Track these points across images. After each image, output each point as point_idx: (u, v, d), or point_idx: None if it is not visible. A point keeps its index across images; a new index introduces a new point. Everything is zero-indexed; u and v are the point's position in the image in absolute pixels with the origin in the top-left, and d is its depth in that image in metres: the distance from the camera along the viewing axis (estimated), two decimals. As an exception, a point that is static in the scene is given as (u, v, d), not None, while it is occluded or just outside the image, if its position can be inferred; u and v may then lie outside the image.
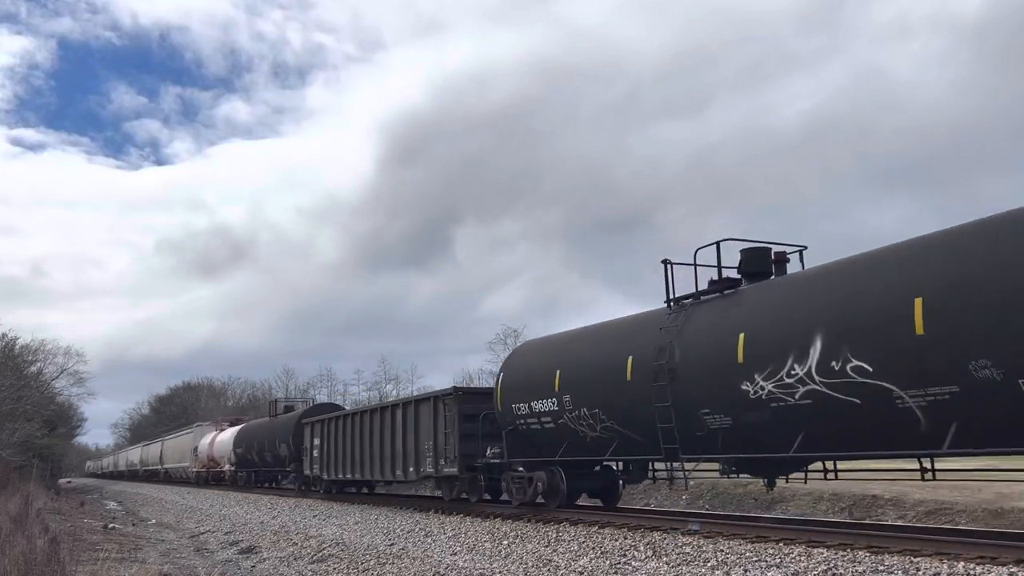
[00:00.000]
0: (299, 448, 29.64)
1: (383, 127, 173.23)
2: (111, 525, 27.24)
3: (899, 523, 15.49)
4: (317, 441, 27.06)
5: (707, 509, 20.21)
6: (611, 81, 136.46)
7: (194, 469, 48.43)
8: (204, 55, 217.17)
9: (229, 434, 42.52)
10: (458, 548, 13.51)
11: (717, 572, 9.34)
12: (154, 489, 52.50)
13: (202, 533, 23.68)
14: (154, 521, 29.94)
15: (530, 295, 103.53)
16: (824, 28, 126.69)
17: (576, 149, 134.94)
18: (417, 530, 16.13)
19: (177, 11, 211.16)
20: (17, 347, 54.21)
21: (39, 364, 58.62)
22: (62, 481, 78.84)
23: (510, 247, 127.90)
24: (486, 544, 13.39)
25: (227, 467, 41.43)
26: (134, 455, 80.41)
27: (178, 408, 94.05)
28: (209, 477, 46.05)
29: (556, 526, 14.08)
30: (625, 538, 11.95)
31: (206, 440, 46.94)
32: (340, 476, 25.04)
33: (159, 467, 62.74)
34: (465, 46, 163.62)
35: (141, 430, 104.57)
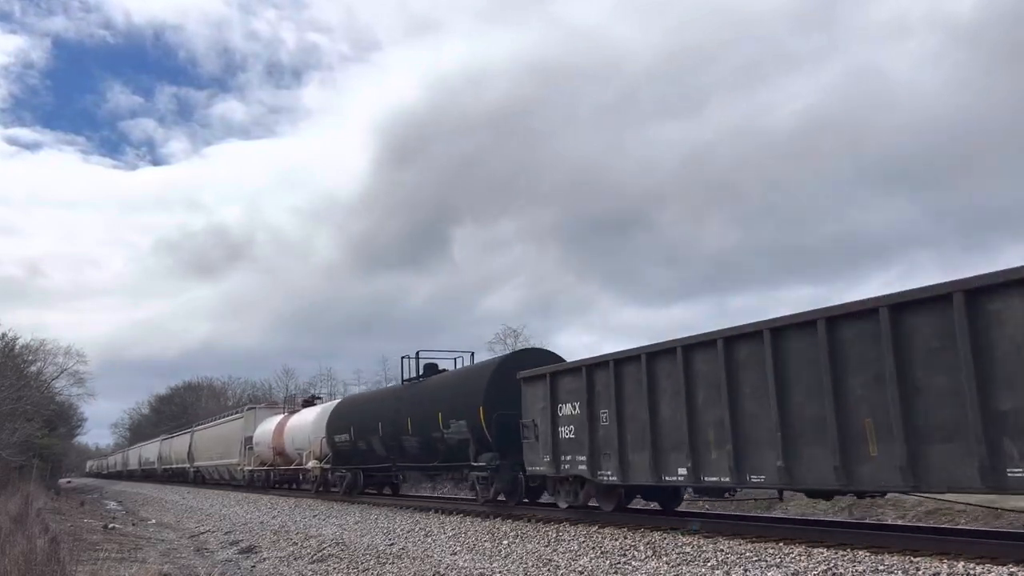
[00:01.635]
0: (504, 427, 16.78)
1: (379, 127, 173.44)
2: (111, 525, 27.25)
3: (899, 523, 15.50)
4: (572, 409, 14.34)
5: (707, 509, 20.20)
6: (607, 81, 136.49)
7: (247, 468, 36.71)
8: (198, 54, 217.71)
9: (313, 415, 29.65)
10: (458, 548, 13.51)
11: (717, 572, 9.34)
12: (154, 489, 52.49)
13: (202, 533, 23.69)
14: (154, 521, 29.94)
15: (528, 295, 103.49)
16: (821, 28, 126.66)
17: (573, 149, 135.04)
18: (417, 530, 16.13)
19: (171, 9, 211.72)
20: (17, 347, 54.33)
21: (39, 364, 58.82)
22: (62, 481, 78.86)
23: (507, 247, 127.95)
24: (486, 544, 13.39)
25: (312, 464, 28.27)
26: (150, 451, 69.55)
27: (178, 408, 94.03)
28: (273, 479, 34.12)
29: (556, 526, 14.08)
30: (625, 538, 11.95)
31: (267, 427, 34.17)
32: (670, 476, 12.18)
33: (187, 465, 51.51)
34: (460, 46, 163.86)
35: (141, 430, 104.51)
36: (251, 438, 36.19)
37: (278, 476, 33.51)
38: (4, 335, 51.91)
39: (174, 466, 56.59)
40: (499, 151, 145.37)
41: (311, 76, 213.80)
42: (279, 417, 33.90)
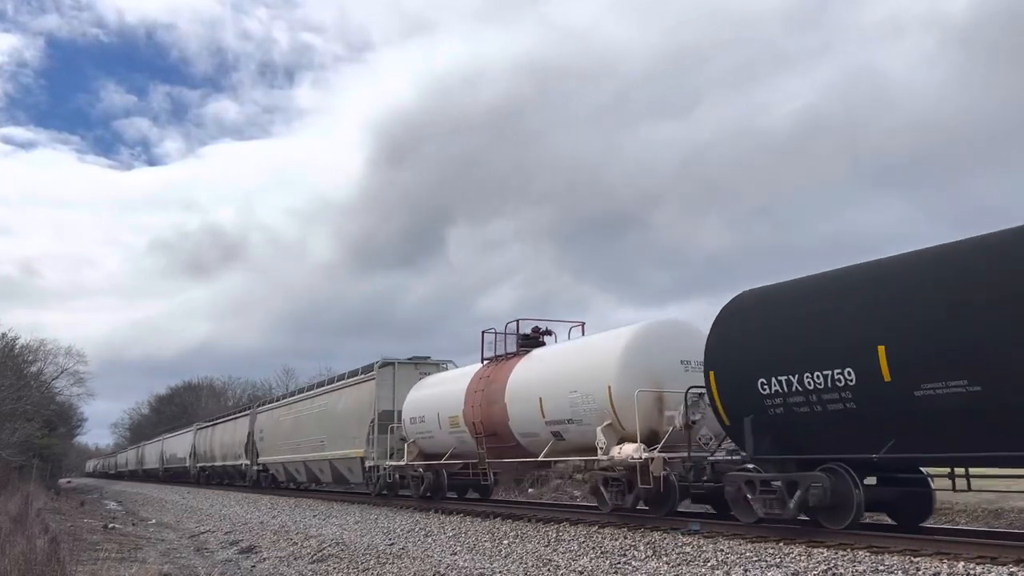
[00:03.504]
0: None
1: (373, 127, 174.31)
2: (111, 525, 27.25)
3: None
4: None
5: (707, 509, 20.16)
6: (601, 81, 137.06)
7: (388, 463, 22.10)
8: (190, 53, 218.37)
9: (617, 350, 13.71)
10: (458, 548, 13.51)
11: (717, 572, 9.34)
12: (154, 489, 52.48)
13: (202, 533, 23.68)
14: (154, 521, 29.93)
15: (524, 295, 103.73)
16: (815, 28, 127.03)
17: (567, 149, 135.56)
18: (417, 530, 16.13)
19: (163, 8, 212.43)
20: (17, 347, 54.31)
21: (39, 364, 58.77)
22: (62, 481, 78.85)
23: (503, 247, 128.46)
24: (486, 544, 13.39)
25: (631, 451, 12.88)
26: (176, 445, 56.40)
27: (178, 408, 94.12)
28: (451, 482, 20.68)
29: (556, 526, 14.08)
30: (625, 538, 11.95)
31: (441, 390, 19.97)
32: None
33: (242, 462, 38.44)
34: (455, 46, 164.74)
35: (141, 430, 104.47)
36: (395, 414, 22.14)
37: (488, 476, 19.75)
38: (4, 335, 52.00)
39: (218, 463, 43.80)
40: (494, 151, 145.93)
41: (304, 76, 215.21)
42: (470, 370, 19.01)
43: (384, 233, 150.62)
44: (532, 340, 18.11)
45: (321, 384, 30.13)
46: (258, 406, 38.91)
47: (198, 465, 48.66)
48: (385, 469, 22.27)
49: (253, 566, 16.52)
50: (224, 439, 43.08)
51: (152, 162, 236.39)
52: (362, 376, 25.31)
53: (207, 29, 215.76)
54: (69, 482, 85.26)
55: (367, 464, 23.48)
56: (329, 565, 14.54)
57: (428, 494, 20.30)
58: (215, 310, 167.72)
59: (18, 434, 47.49)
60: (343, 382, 27.29)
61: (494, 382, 17.21)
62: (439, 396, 19.80)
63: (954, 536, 10.18)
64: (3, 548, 12.96)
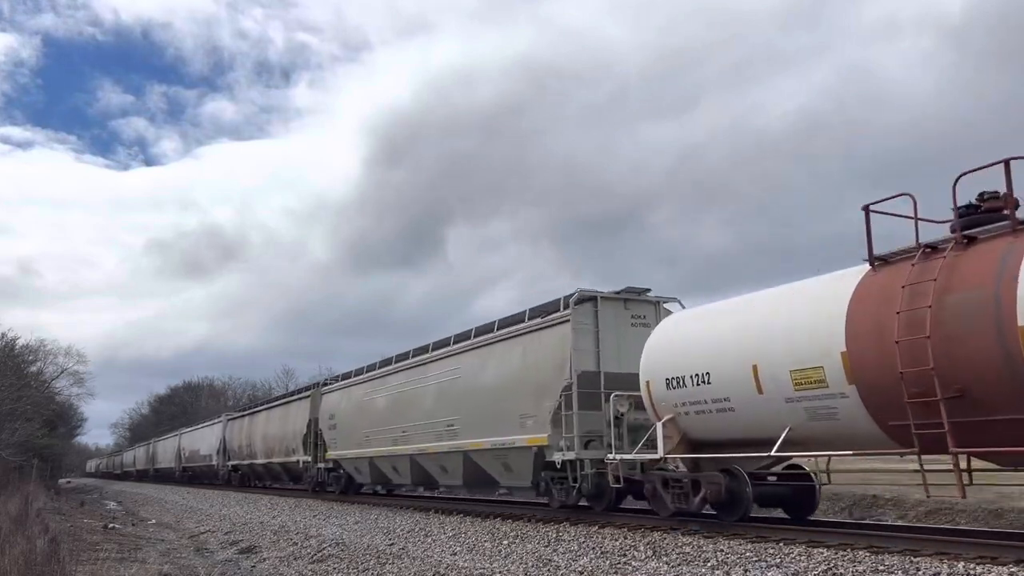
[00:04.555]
0: None
1: (370, 127, 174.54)
2: (111, 525, 27.24)
3: (899, 523, 15.49)
4: None
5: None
6: (598, 81, 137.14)
7: (643, 456, 12.98)
8: (186, 52, 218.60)
9: None
10: (458, 548, 13.51)
11: (717, 572, 9.33)
12: (153, 489, 52.49)
13: (202, 533, 23.67)
14: (154, 521, 29.93)
15: (522, 295, 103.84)
16: (812, 28, 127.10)
17: (564, 149, 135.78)
18: (417, 530, 16.13)
19: (158, 7, 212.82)
20: (17, 347, 54.39)
21: (39, 364, 58.88)
22: (62, 481, 78.87)
23: (500, 247, 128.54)
24: (486, 544, 13.39)
25: None
26: (200, 440, 46.81)
27: (178, 408, 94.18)
28: None
29: (556, 526, 14.08)
30: (625, 538, 11.95)
31: (786, 311, 10.45)
32: None
33: (299, 459, 29.79)
34: (451, 46, 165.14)
35: (141, 430, 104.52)
36: (600, 376, 14.60)
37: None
38: (4, 335, 52.08)
39: (259, 461, 35.08)
40: (491, 151, 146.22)
41: (301, 76, 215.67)
42: (839, 283, 10.04)
43: (382, 233, 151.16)
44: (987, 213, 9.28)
45: (440, 345, 20.14)
46: (324, 384, 29.58)
47: (230, 464, 39.80)
48: (614, 461, 13.33)
49: (253, 566, 16.52)
50: (270, 431, 33.43)
51: (149, 162, 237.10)
52: (540, 321, 15.99)
53: (203, 28, 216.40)
54: (69, 482, 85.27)
55: (557, 458, 14.54)
56: (329, 565, 14.54)
57: (709, 510, 12.16)
58: (213, 310, 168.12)
59: (18, 434, 47.52)
60: (495, 334, 17.44)
61: (951, 293, 8.64)
62: (751, 334, 10.96)
63: (954, 536, 10.18)
64: (3, 548, 12.96)
